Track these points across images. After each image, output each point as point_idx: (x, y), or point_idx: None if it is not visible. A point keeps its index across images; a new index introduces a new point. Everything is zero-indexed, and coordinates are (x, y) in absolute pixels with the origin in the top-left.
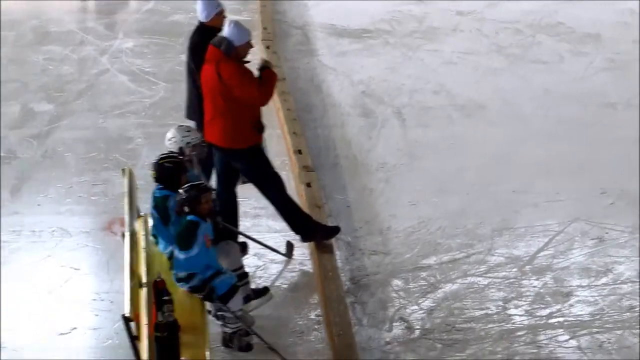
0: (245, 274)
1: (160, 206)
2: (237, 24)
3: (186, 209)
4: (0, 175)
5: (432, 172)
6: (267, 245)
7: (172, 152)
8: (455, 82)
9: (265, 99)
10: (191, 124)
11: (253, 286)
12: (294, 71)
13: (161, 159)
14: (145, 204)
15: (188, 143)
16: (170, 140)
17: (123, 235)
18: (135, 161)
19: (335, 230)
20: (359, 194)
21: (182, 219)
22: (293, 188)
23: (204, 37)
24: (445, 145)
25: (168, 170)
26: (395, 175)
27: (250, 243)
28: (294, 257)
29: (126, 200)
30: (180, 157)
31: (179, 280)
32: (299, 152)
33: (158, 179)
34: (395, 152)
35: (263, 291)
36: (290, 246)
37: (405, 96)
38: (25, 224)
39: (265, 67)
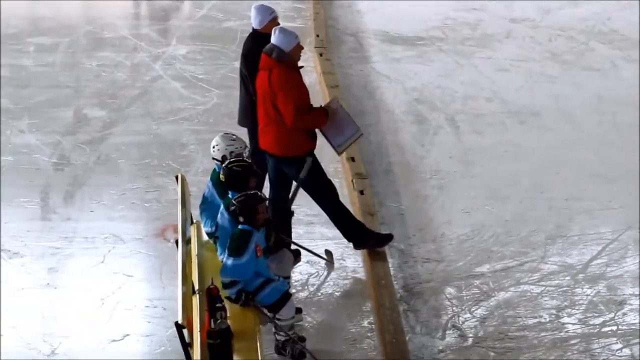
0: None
1: (217, 180)
2: (282, 30)
3: (241, 219)
4: (53, 182)
5: (485, 179)
6: (314, 252)
7: (215, 159)
8: (508, 89)
9: (296, 124)
10: (244, 130)
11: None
12: (347, 78)
13: (230, 162)
14: (198, 211)
15: (232, 152)
16: (214, 148)
17: (176, 242)
18: (188, 168)
19: (388, 238)
20: (412, 201)
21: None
22: (346, 195)
23: (258, 43)
24: (498, 152)
25: (237, 174)
26: (448, 182)
27: (303, 251)
28: (335, 262)
29: (179, 207)
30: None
31: (223, 286)
32: (352, 159)
33: (228, 183)
34: (448, 159)
35: (296, 311)
36: (329, 253)
37: (458, 103)
38: (78, 230)
39: (327, 109)
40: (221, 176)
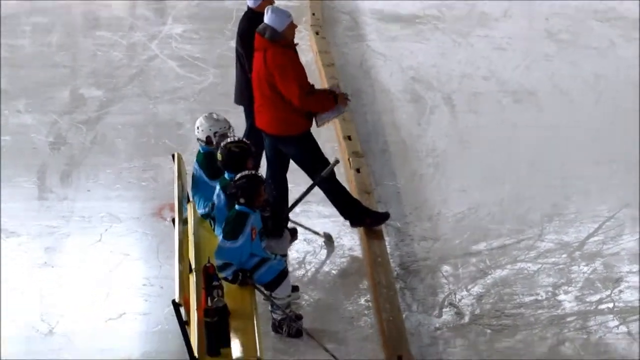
0: None
1: (203, 162)
2: (274, 9)
3: (242, 200)
4: (50, 161)
5: (482, 158)
6: (312, 229)
7: (199, 139)
8: (505, 68)
9: (304, 103)
10: (240, 109)
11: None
12: (343, 57)
13: (228, 143)
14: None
15: (216, 132)
16: (198, 129)
17: (173, 221)
18: (184, 147)
19: (384, 217)
20: (409, 180)
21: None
22: (342, 174)
23: (253, 22)
24: (495, 131)
25: (235, 155)
26: (444, 161)
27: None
28: (335, 244)
29: (176, 186)
30: (212, 145)
31: (217, 268)
32: (349, 138)
33: (225, 164)
34: (444, 138)
35: (293, 289)
36: (328, 236)
37: (455, 82)
38: (75, 209)
39: (332, 91)
40: (218, 156)
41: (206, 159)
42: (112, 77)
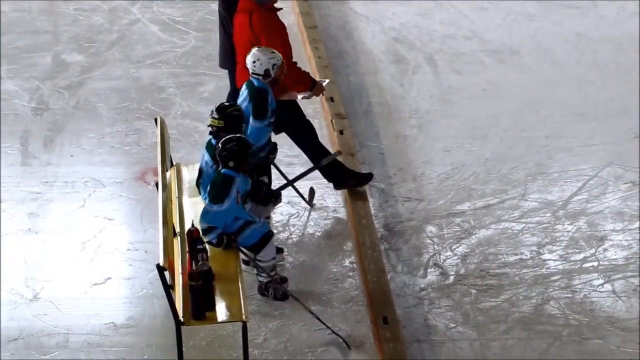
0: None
1: (255, 99)
2: None
3: (231, 163)
4: (32, 127)
5: (465, 118)
6: (297, 190)
7: (256, 74)
8: (487, 28)
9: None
10: (223, 72)
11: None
12: (325, 19)
13: (227, 107)
14: (178, 154)
15: (274, 65)
16: (254, 63)
17: (156, 185)
18: (167, 111)
19: (368, 177)
20: (392, 141)
21: (217, 172)
22: (326, 136)
23: None
24: (478, 91)
25: (237, 119)
26: (428, 121)
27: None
28: (314, 204)
29: (159, 150)
30: (267, 79)
31: (202, 232)
32: (331, 99)
33: (227, 127)
34: (428, 99)
35: (277, 251)
36: (312, 193)
37: (437, 42)
38: (58, 175)
39: (314, 83)
40: (215, 122)
41: (260, 95)
42: (94, 41)
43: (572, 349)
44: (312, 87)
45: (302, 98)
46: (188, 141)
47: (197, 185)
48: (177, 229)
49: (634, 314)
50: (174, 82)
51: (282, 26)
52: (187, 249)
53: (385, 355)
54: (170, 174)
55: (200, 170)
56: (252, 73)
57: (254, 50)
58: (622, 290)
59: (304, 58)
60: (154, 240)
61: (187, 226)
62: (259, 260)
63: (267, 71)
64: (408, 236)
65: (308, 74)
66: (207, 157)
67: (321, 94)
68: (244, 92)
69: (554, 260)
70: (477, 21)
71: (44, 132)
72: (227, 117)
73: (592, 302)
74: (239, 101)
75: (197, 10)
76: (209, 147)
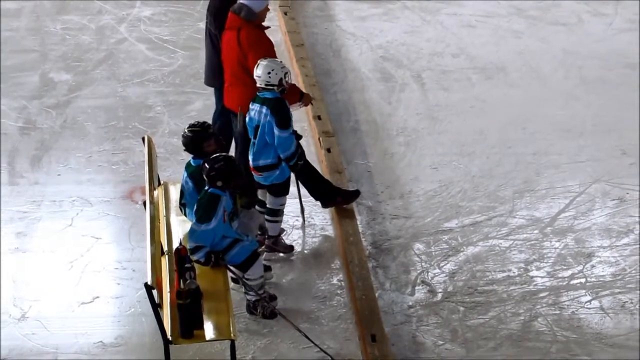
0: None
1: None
2: None
3: (219, 183)
4: (20, 146)
5: (452, 135)
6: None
7: (271, 85)
8: (474, 45)
9: None
10: (210, 90)
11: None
12: (313, 36)
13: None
14: (165, 172)
15: (286, 73)
16: (269, 74)
17: (144, 204)
18: (155, 129)
19: (355, 194)
20: (380, 158)
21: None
22: (313, 154)
23: (226, 3)
24: (465, 108)
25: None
26: (415, 139)
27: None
28: (306, 223)
29: (146, 169)
30: (280, 89)
31: (190, 251)
32: (319, 117)
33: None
34: (415, 116)
35: (265, 269)
36: (302, 209)
37: (424, 60)
38: (45, 194)
39: (302, 94)
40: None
41: (280, 105)
42: (81, 60)
43: None
44: (301, 97)
45: (294, 110)
46: (175, 159)
47: (181, 205)
48: (165, 248)
49: (622, 330)
50: (161, 101)
51: (270, 43)
52: (175, 268)
53: None
54: (158, 192)
55: (182, 191)
56: (267, 84)
57: (264, 62)
58: (610, 306)
59: (292, 76)
60: (142, 258)
61: (175, 244)
62: (247, 279)
63: (281, 80)
64: (396, 254)
65: (295, 85)
66: (185, 175)
67: (310, 104)
68: (259, 108)
69: (542, 277)
70: (464, 38)
71: (31, 151)
72: (183, 138)
73: (580, 318)
74: (255, 117)
75: (184, 29)
76: (188, 166)
